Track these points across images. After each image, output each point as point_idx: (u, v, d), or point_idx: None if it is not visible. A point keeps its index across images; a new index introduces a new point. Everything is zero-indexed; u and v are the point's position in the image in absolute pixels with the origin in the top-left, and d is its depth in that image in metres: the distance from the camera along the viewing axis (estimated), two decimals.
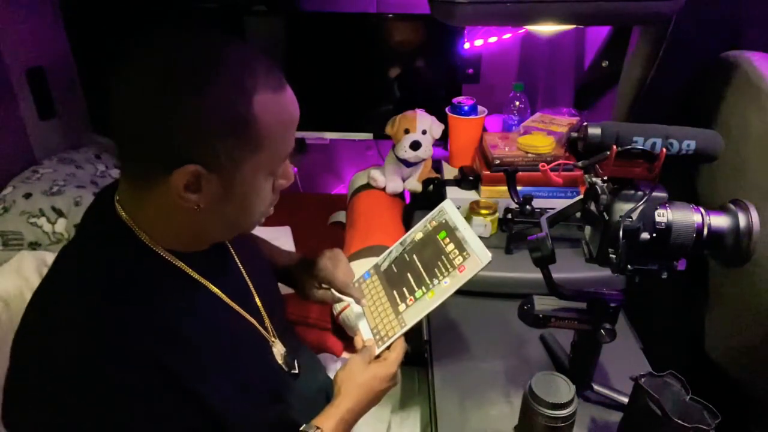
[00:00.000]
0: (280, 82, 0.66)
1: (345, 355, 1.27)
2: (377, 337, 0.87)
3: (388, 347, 0.85)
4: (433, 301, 0.84)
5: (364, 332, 0.89)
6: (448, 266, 0.85)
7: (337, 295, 0.96)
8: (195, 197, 0.64)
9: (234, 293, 0.77)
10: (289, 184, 0.75)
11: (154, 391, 0.61)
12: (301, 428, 0.76)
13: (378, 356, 0.85)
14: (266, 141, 0.64)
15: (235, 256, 0.82)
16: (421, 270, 0.89)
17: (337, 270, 0.94)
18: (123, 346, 0.60)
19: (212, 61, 0.61)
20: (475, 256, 0.82)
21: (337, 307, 1.28)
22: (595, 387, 0.88)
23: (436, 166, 1.49)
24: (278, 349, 0.83)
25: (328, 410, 0.78)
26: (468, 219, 1.18)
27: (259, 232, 1.62)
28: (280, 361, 0.83)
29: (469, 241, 0.85)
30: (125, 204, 0.68)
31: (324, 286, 0.96)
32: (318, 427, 0.75)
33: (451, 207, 0.92)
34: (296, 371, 0.85)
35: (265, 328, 0.82)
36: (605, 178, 0.75)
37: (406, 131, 1.42)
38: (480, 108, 1.40)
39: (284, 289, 1.00)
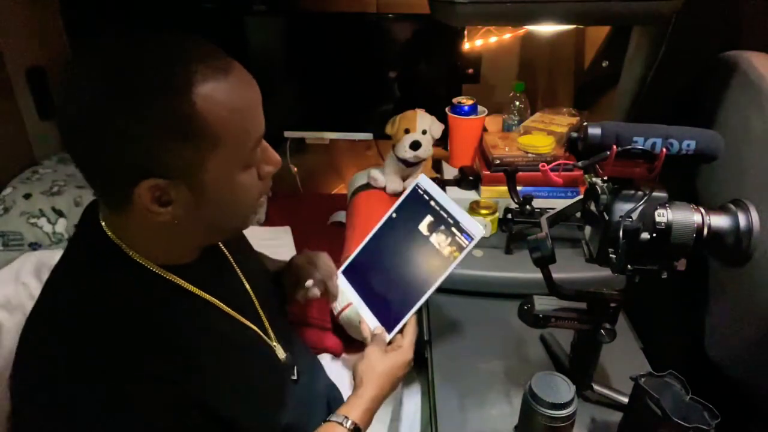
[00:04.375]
0: (223, 65, 0.60)
1: (345, 355, 1.27)
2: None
3: (400, 331, 0.86)
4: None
5: (370, 322, 0.89)
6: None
7: (314, 291, 0.92)
8: (169, 210, 0.61)
9: (232, 301, 0.75)
10: (276, 168, 0.70)
11: (160, 406, 0.60)
12: (329, 417, 0.77)
13: (390, 341, 0.86)
14: (222, 134, 0.59)
15: (233, 262, 0.81)
16: None
17: (314, 265, 0.92)
18: (123, 365, 0.59)
19: (139, 66, 0.56)
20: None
21: (337, 306, 1.28)
22: (595, 387, 0.88)
23: (436, 166, 1.49)
24: (280, 354, 0.82)
25: (352, 400, 0.79)
26: None
27: (260, 232, 1.61)
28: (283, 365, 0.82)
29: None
30: (110, 223, 0.66)
31: (307, 284, 0.93)
32: (346, 416, 0.76)
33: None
34: (295, 377, 0.84)
35: (267, 333, 0.81)
36: (605, 178, 0.74)
37: (407, 131, 1.42)
38: (480, 108, 1.40)
39: None
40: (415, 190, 0.92)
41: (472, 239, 0.82)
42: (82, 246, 0.69)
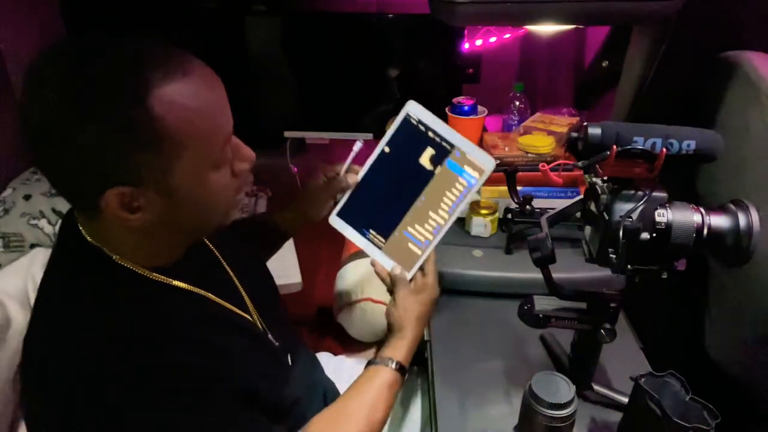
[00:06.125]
0: (179, 67, 0.57)
1: (344, 355, 1.27)
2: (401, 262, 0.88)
3: (421, 269, 0.86)
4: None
5: (383, 263, 0.89)
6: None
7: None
8: (139, 216, 0.60)
9: (222, 293, 0.75)
10: (251, 164, 0.68)
11: (207, 394, 0.62)
12: (371, 361, 0.80)
13: (410, 280, 0.87)
14: (186, 137, 0.57)
15: (219, 255, 0.81)
16: None
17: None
18: (122, 365, 0.59)
19: (91, 76, 0.54)
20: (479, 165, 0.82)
21: (339, 306, 1.28)
22: (595, 387, 0.88)
23: None
24: (273, 340, 0.83)
25: (396, 342, 0.83)
26: (468, 219, 1.18)
27: None
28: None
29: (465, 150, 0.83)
30: (88, 231, 0.65)
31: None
32: (390, 358, 0.80)
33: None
34: (290, 362, 0.85)
35: (257, 323, 0.81)
36: (605, 178, 0.75)
37: None
38: (480, 108, 1.40)
39: (283, 290, 0.99)
40: (406, 121, 0.84)
41: (484, 171, 0.80)
42: (66, 255, 0.68)
